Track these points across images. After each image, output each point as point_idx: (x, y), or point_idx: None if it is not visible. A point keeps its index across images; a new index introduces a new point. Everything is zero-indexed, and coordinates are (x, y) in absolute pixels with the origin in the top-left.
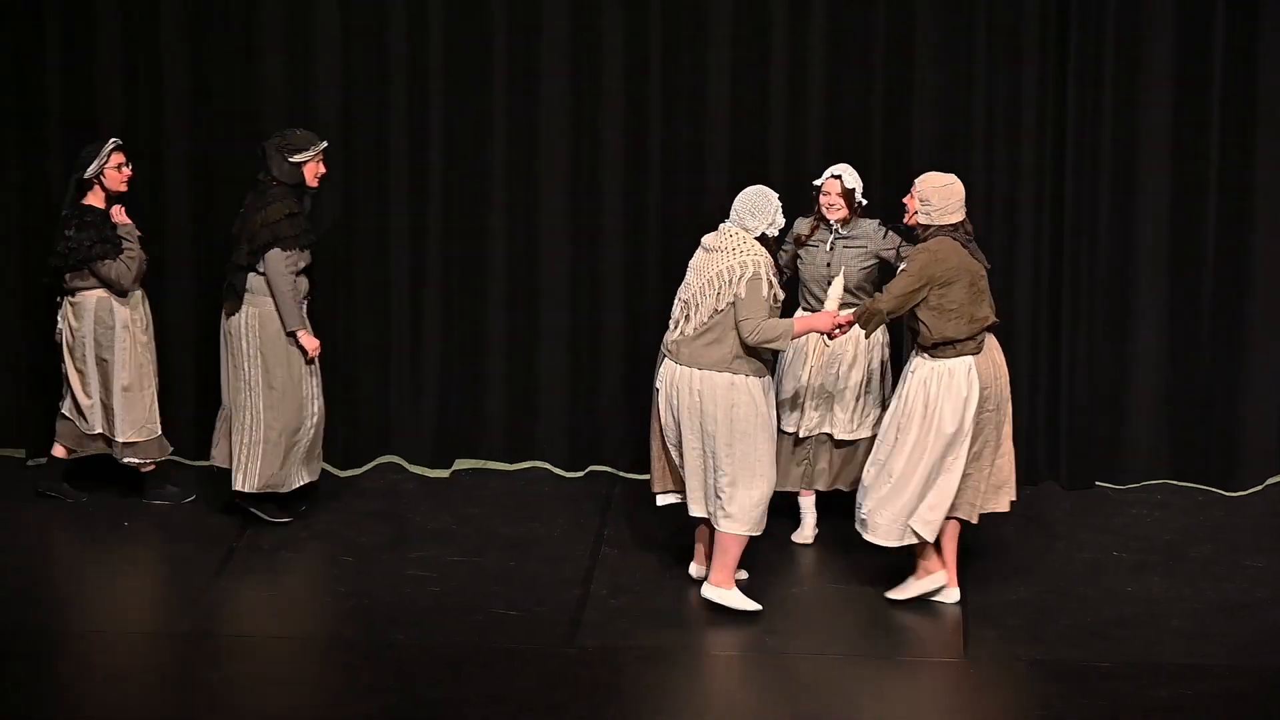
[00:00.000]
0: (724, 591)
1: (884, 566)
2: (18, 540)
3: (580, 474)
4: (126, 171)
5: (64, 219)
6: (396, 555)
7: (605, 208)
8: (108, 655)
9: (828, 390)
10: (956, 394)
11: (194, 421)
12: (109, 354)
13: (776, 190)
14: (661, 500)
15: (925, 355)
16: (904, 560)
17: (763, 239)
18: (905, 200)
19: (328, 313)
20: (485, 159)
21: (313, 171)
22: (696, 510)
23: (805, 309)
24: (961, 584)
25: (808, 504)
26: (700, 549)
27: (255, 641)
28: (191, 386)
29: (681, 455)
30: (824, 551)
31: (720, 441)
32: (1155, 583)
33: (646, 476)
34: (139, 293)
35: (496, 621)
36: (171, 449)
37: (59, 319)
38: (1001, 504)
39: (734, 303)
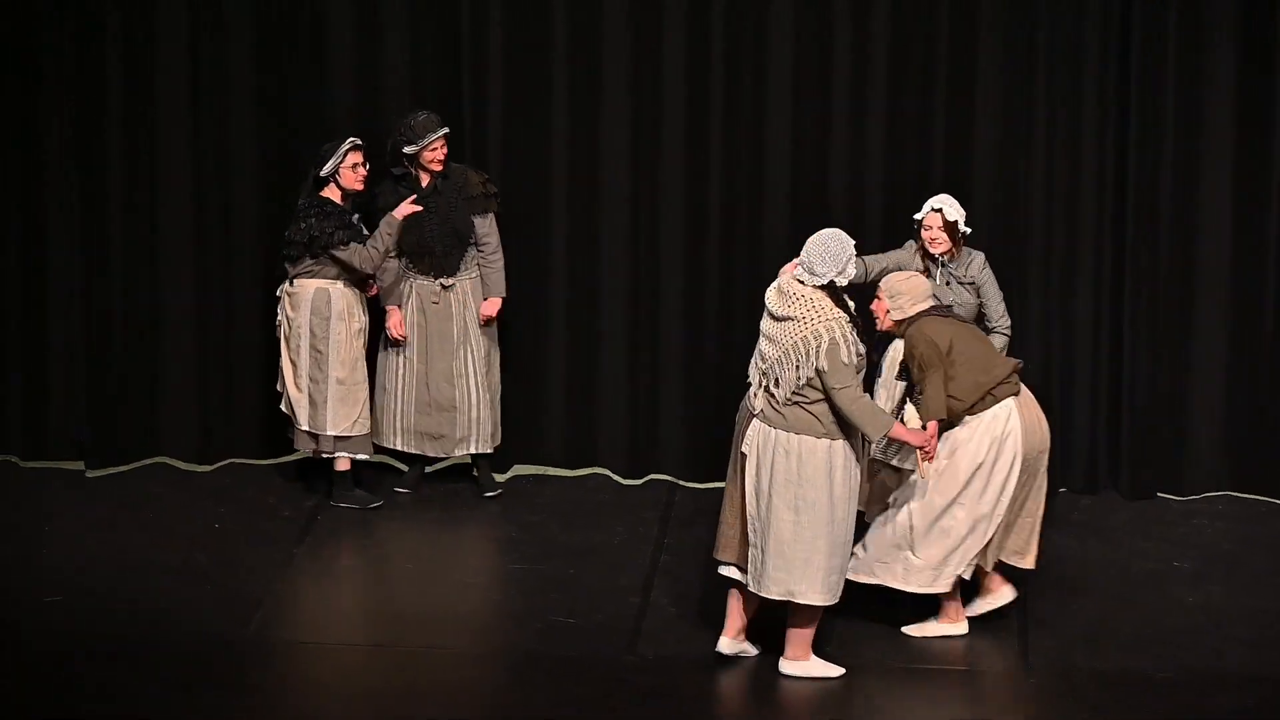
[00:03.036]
0: (803, 664)
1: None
2: (78, 548)
3: (640, 481)
4: (362, 171)
5: (299, 210)
6: (457, 562)
7: (665, 215)
8: (165, 661)
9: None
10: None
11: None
12: (323, 344)
13: (836, 194)
14: (724, 571)
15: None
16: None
17: (829, 286)
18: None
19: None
20: (545, 166)
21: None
22: (777, 590)
23: None
24: (1021, 593)
25: None
26: (732, 620)
27: (314, 648)
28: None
29: (765, 526)
30: None
31: (820, 509)
32: (1216, 593)
33: (706, 485)
34: (357, 293)
35: (556, 629)
36: (374, 450)
37: (278, 311)
38: None
39: (820, 374)
